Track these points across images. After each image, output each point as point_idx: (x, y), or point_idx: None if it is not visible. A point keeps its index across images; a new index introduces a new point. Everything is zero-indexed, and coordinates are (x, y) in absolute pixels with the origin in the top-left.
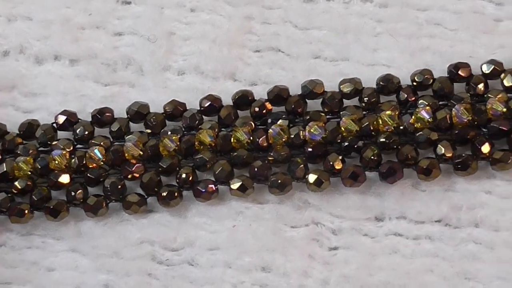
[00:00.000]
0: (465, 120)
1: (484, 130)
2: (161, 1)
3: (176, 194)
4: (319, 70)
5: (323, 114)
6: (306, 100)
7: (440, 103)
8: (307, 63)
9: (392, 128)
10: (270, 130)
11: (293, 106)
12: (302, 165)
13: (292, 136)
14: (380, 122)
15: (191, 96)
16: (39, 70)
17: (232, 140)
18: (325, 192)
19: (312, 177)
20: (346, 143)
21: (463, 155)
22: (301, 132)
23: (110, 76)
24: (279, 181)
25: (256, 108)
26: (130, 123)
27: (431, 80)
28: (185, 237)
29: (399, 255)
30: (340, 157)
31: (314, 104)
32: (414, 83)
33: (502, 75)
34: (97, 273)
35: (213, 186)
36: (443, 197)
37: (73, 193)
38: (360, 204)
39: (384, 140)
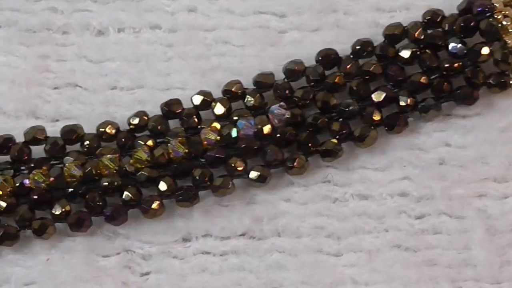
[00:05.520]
0: (181, 153)
1: (202, 160)
2: None
3: None
4: (116, 100)
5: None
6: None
7: (158, 140)
8: (104, 94)
9: (114, 171)
10: None
11: (16, 154)
12: (24, 214)
13: (17, 184)
14: (102, 166)
15: None
16: None
17: None
18: (132, 220)
19: (36, 223)
20: (71, 189)
21: (185, 187)
22: (26, 180)
23: None
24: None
25: None
26: None
27: (147, 120)
28: (1, 275)
29: (208, 273)
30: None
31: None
32: (131, 126)
33: (213, 104)
34: None
35: None
36: (245, 211)
37: None
38: (166, 227)
39: (106, 183)
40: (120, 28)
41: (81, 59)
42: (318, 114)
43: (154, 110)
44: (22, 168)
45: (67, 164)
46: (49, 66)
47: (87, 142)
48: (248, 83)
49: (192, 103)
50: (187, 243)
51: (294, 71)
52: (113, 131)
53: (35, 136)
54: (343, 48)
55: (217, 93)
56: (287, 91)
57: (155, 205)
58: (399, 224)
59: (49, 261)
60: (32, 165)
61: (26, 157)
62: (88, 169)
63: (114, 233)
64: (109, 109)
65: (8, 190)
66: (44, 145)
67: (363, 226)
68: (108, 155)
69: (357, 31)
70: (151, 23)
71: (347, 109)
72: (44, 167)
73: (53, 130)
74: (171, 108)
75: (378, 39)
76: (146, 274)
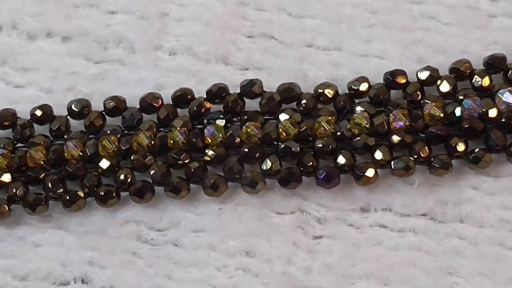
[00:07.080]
0: (403, 125)
1: (422, 135)
2: None
3: (113, 195)
4: (312, 58)
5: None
6: (244, 99)
7: (378, 109)
8: (299, 51)
9: (330, 133)
10: (205, 130)
11: (230, 105)
12: (234, 166)
13: (228, 135)
14: (318, 127)
15: (182, 77)
16: (31, 46)
17: (168, 141)
18: (312, 182)
19: (246, 177)
20: (283, 145)
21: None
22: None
23: (101, 54)
24: (213, 182)
25: (194, 107)
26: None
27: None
28: (170, 218)
29: (383, 247)
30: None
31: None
32: (351, 91)
33: (438, 82)
34: (82, 250)
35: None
36: (429, 191)
37: (14, 190)
38: (346, 195)
39: (321, 145)
40: None
41: (281, 11)
42: None
43: (348, 74)
44: (234, 119)
45: (283, 121)
46: (247, 13)
47: (304, 101)
48: (448, 63)
49: (418, 77)
50: (365, 213)
51: None
52: (332, 93)
53: (252, 90)
54: None
55: (415, 68)
56: None
57: (369, 172)
58: None
59: (221, 210)
60: (246, 117)
61: (238, 109)
62: (303, 129)
63: (291, 192)
64: (302, 66)
65: (219, 140)
66: (260, 98)
67: None
68: (325, 117)
69: None
70: None
71: None
72: (257, 121)
73: (240, 79)
74: (395, 78)
75: None
76: (319, 238)
